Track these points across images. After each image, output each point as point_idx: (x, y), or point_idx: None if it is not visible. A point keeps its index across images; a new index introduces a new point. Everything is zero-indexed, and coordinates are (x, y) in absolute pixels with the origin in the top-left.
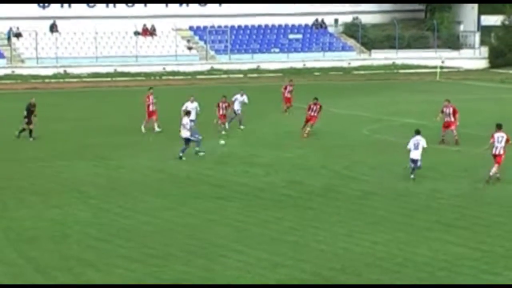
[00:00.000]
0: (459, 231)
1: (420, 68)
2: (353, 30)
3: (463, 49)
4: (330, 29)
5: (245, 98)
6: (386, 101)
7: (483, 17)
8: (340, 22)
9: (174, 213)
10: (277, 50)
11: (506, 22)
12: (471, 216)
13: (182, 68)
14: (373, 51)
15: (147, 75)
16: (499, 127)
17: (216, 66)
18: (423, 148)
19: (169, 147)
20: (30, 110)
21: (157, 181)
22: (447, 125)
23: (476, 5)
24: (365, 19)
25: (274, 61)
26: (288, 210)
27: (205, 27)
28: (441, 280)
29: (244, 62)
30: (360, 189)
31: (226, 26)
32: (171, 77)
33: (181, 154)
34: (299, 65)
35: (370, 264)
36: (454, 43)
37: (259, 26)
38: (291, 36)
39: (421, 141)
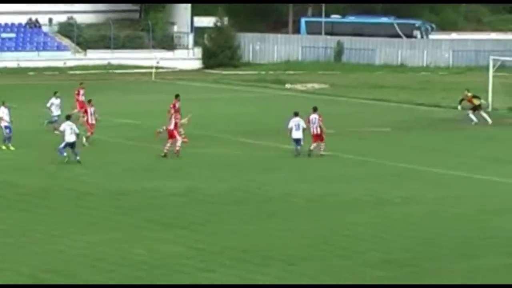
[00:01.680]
0: (176, 230)
1: (135, 68)
2: (68, 29)
3: (177, 50)
4: (45, 29)
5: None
6: (102, 101)
7: (196, 19)
8: (54, 21)
9: None
10: None
11: (219, 24)
12: (188, 215)
13: None
14: (88, 51)
15: None
16: (314, 110)
17: None
18: (303, 128)
19: None
20: None
21: None
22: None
23: (189, 6)
24: (80, 18)
25: None
26: (3, 212)
27: None
28: (157, 278)
29: None
30: (77, 189)
31: None
32: None
33: (78, 158)
34: (13, 64)
35: (85, 265)
36: (168, 43)
37: None
38: (3, 35)
39: (300, 122)
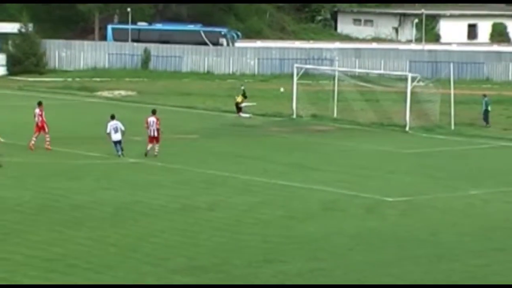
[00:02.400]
0: None
1: None
2: None
3: None
4: None
5: None
6: None
7: (0, 25)
8: None
9: None
10: None
11: (23, 30)
12: None
13: None
14: None
15: None
16: (153, 112)
17: None
18: (122, 130)
19: None
20: None
21: None
22: None
23: None
24: None
25: None
26: None
27: None
28: None
29: None
30: None
31: None
32: None
33: None
34: None
35: None
36: None
37: None
38: None
39: (118, 124)
